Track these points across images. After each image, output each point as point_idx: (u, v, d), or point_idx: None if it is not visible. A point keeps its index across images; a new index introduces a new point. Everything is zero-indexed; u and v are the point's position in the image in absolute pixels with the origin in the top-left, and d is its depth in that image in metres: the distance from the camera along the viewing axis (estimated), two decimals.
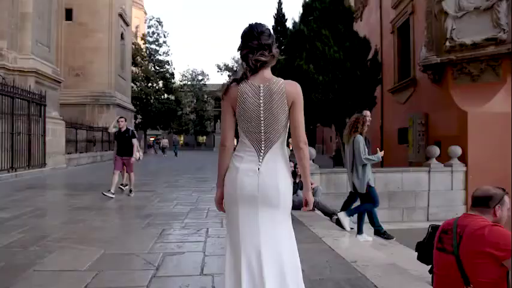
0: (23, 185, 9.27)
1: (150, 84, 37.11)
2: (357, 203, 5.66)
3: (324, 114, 11.64)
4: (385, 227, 7.86)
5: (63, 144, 14.70)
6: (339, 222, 5.44)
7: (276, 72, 1.94)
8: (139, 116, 35.24)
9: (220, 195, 2.03)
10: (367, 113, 6.00)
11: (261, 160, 1.88)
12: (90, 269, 3.28)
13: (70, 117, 16.84)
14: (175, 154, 29.05)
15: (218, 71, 53.33)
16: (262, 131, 1.87)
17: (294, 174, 6.65)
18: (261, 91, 1.86)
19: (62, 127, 14.82)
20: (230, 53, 76.81)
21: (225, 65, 48.70)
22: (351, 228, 5.43)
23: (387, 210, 8.28)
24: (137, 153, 8.26)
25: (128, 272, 3.25)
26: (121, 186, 8.14)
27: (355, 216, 5.65)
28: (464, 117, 9.21)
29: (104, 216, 5.72)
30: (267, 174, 1.86)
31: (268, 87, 1.86)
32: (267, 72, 1.91)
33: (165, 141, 32.66)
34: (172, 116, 38.77)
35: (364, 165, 5.23)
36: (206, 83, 51.44)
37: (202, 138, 58.37)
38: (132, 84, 32.62)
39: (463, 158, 9.07)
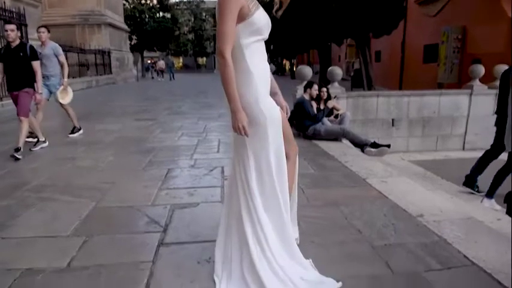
0: (9, 115, 8.32)
1: (143, 0, 34.17)
2: None
3: (340, 28, 10.20)
4: (417, 156, 7.11)
5: None
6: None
7: None
8: (134, 37, 32.98)
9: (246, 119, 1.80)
10: None
11: None
12: (75, 234, 2.47)
13: (58, 39, 15.25)
14: (171, 77, 27.24)
15: None
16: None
17: (318, 98, 5.66)
18: None
19: None
20: None
21: None
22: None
23: (420, 138, 7.39)
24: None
25: (125, 237, 2.43)
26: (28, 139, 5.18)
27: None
28: None
29: (96, 152, 4.85)
30: None
31: None
32: None
33: (161, 63, 30.69)
34: (169, 36, 36.34)
35: None
36: None
37: (202, 60, 55.95)
38: (124, 2, 29.88)
39: None
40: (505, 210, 3.88)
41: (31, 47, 4.89)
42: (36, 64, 4.86)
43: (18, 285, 1.88)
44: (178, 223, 2.64)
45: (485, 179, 4.65)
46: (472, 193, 4.79)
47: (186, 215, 2.78)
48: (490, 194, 4.32)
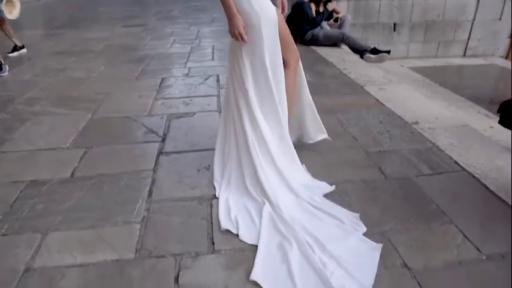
0: None
1: None
2: None
3: None
4: (417, 63, 6.94)
5: None
6: None
7: None
8: None
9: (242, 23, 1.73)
10: None
11: None
12: (75, 146, 2.50)
13: None
14: None
15: None
16: None
17: (318, 0, 5.32)
18: None
19: None
20: None
21: None
22: None
23: (422, 43, 7.09)
24: None
25: (125, 147, 2.47)
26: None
27: None
28: None
29: (87, 62, 4.68)
30: None
31: None
32: None
33: None
34: None
35: None
36: None
37: None
38: None
39: None
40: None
41: None
42: None
43: (24, 196, 1.94)
44: (175, 132, 2.66)
45: None
46: None
47: (183, 125, 2.79)
48: None
